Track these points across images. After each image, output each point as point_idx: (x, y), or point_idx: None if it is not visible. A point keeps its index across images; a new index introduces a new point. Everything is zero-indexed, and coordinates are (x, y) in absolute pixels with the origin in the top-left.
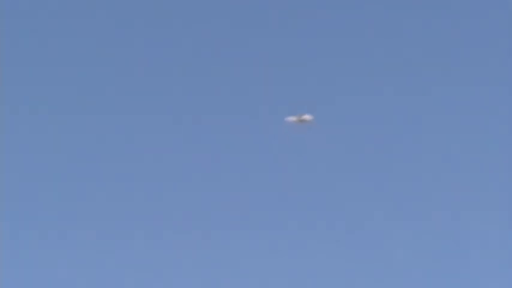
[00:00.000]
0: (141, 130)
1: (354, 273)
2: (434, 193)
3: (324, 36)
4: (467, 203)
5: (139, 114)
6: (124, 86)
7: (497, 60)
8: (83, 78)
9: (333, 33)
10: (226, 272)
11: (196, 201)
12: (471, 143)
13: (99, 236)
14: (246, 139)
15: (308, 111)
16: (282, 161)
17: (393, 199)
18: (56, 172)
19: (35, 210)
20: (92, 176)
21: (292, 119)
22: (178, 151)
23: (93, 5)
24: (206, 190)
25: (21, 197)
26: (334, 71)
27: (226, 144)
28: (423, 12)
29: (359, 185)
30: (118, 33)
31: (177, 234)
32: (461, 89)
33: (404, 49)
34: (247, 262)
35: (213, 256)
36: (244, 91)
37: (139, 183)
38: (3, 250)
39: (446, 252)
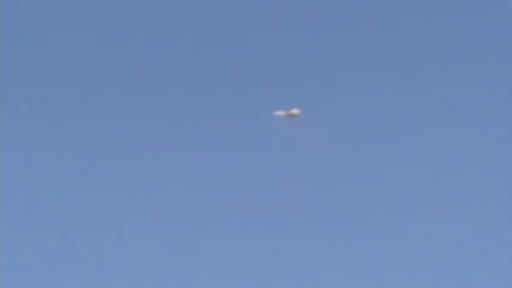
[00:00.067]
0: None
1: (347, 271)
2: (426, 189)
3: (315, 33)
4: (467, 202)
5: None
6: (122, 85)
7: (497, 60)
8: (82, 78)
9: (324, 30)
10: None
11: (185, 198)
12: (468, 141)
13: (99, 236)
14: (237, 135)
15: (298, 106)
16: (273, 156)
17: (387, 196)
18: (55, 172)
19: (35, 210)
20: (91, 176)
21: (280, 113)
22: (168, 149)
23: (93, 5)
24: (194, 187)
25: (21, 196)
26: (326, 67)
27: (216, 140)
28: (422, 12)
29: (351, 181)
30: (118, 33)
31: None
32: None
33: (399, 45)
34: (238, 259)
35: (201, 253)
36: (233, 87)
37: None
38: (3, 250)
39: (445, 252)
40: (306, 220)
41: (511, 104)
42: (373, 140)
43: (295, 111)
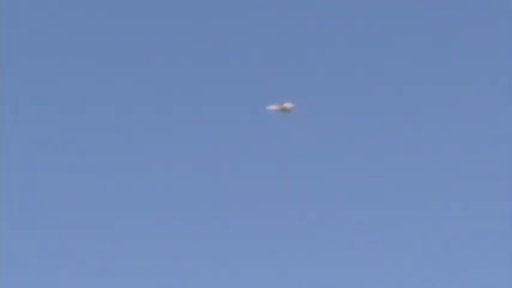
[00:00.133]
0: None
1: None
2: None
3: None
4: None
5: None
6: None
7: (498, 60)
8: (83, 78)
9: (316, 25)
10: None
11: (178, 194)
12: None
13: (99, 236)
14: (230, 130)
15: (291, 100)
16: (266, 150)
17: (380, 190)
18: (55, 172)
19: (35, 210)
20: (91, 175)
21: (273, 107)
22: (160, 145)
23: (93, 5)
24: (187, 181)
25: (20, 196)
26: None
27: (210, 135)
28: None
29: (343, 175)
30: (118, 33)
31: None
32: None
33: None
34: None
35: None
36: (226, 83)
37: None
38: (3, 250)
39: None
40: (298, 213)
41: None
42: (366, 134)
43: (288, 105)
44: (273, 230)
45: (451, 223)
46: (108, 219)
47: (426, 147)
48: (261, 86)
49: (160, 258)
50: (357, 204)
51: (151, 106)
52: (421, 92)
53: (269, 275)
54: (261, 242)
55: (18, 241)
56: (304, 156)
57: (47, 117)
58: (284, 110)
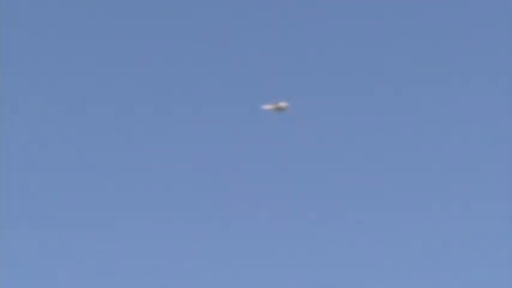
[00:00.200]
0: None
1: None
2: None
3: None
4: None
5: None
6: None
7: (498, 60)
8: (83, 78)
9: (312, 23)
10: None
11: (174, 193)
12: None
13: (99, 236)
14: (225, 130)
15: (286, 99)
16: (261, 150)
17: (378, 189)
18: (55, 172)
19: (35, 210)
20: (91, 175)
21: (268, 106)
22: (158, 144)
23: (93, 5)
24: (183, 180)
25: (20, 196)
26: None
27: (205, 135)
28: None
29: (339, 174)
30: (118, 33)
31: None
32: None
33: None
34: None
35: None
36: (221, 82)
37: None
38: (3, 250)
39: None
40: (297, 212)
41: (511, 104)
42: (364, 133)
43: (283, 104)
44: (273, 230)
45: (451, 223)
46: (108, 219)
47: (426, 147)
48: (255, 86)
49: (160, 258)
50: (357, 204)
51: (151, 106)
52: (420, 91)
53: (269, 275)
54: (261, 242)
55: (18, 241)
56: (300, 156)
57: (46, 117)
58: (279, 109)
